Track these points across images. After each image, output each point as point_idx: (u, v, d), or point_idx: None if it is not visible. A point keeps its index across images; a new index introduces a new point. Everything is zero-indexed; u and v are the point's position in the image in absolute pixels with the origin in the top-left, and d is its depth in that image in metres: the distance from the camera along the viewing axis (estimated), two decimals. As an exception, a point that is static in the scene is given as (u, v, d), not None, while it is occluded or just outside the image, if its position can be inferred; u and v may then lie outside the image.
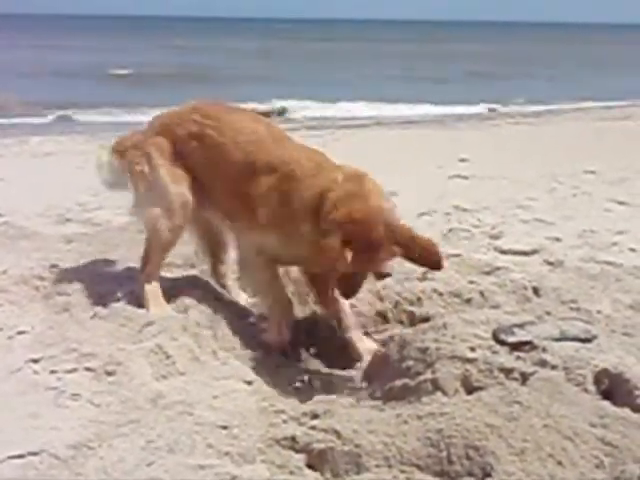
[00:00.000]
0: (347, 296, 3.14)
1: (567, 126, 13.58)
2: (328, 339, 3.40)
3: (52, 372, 2.81)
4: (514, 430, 2.26)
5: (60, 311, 3.46)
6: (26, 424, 2.45)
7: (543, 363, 2.71)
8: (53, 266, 4.02)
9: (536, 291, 3.79)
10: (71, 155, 8.52)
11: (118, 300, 3.47)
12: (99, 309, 3.40)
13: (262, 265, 3.31)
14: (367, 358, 3.26)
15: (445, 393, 2.57)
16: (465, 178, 7.60)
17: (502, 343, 2.85)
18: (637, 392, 2.56)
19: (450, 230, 5.42)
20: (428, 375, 2.70)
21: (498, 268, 4.26)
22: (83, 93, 19.10)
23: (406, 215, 5.80)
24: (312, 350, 3.37)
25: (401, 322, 3.55)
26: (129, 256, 4.26)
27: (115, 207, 5.97)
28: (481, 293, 3.67)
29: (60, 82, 22.59)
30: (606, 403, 2.52)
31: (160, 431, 2.38)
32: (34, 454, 2.27)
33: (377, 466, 2.25)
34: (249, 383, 2.82)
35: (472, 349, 2.78)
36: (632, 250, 4.96)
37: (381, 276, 3.89)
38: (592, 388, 2.62)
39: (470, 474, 2.19)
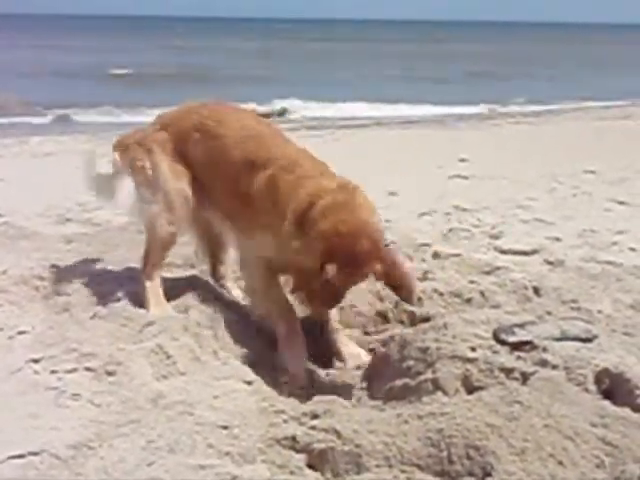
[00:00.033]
0: (327, 307, 3.15)
1: (567, 126, 13.58)
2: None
3: (52, 372, 2.80)
4: (515, 430, 2.26)
5: (60, 311, 3.46)
6: (26, 424, 2.44)
7: (544, 363, 2.70)
8: (53, 266, 4.02)
9: (536, 291, 3.79)
10: (71, 155, 8.49)
11: (118, 300, 3.47)
12: (99, 309, 3.40)
13: (262, 273, 3.23)
14: (350, 363, 3.25)
15: (446, 393, 2.57)
16: (465, 178, 7.60)
17: (502, 343, 2.85)
18: (638, 392, 2.56)
19: (450, 230, 5.42)
20: (429, 375, 2.70)
21: (498, 268, 4.26)
22: (83, 93, 19.11)
23: (406, 215, 5.87)
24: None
25: (401, 322, 3.55)
26: (129, 256, 4.27)
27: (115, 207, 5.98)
28: (481, 293, 3.67)
29: (60, 82, 22.61)
30: (607, 403, 2.51)
31: (160, 431, 2.38)
32: (34, 454, 2.27)
33: (377, 466, 2.25)
34: (249, 383, 2.82)
35: (472, 349, 2.78)
36: (632, 250, 4.96)
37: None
38: (593, 388, 2.62)
39: (470, 474, 2.19)
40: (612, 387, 2.64)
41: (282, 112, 17.55)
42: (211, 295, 3.57)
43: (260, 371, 3.00)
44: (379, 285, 3.69)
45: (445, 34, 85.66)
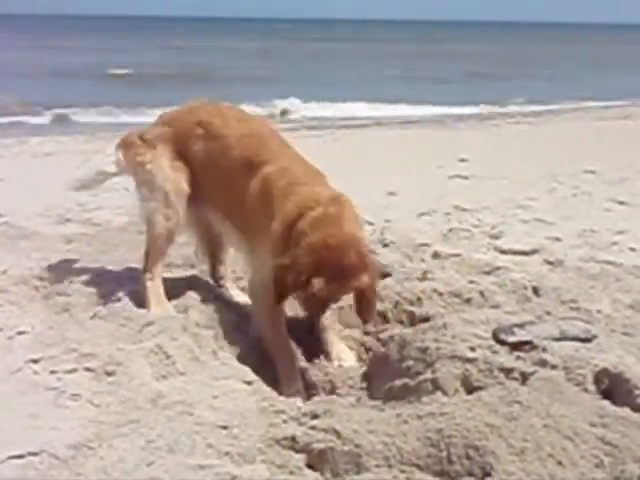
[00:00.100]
0: (312, 316, 3.18)
1: (567, 126, 13.59)
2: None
3: (52, 372, 2.80)
4: (514, 430, 2.26)
5: (60, 311, 3.46)
6: (26, 424, 2.44)
7: (543, 363, 2.71)
8: (53, 266, 4.02)
9: (536, 291, 3.79)
10: (71, 155, 8.51)
11: (118, 300, 3.47)
12: (99, 309, 3.40)
13: (269, 309, 3.15)
14: (336, 363, 3.24)
15: (445, 393, 2.58)
16: (465, 178, 7.60)
17: (502, 343, 2.85)
18: (637, 392, 2.56)
19: (450, 230, 5.42)
20: (428, 375, 2.70)
21: (498, 268, 4.26)
22: (83, 93, 19.09)
23: (406, 215, 5.88)
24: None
25: (401, 322, 3.54)
26: (129, 256, 4.27)
27: (115, 207, 5.99)
28: (481, 293, 3.67)
29: (60, 82, 22.59)
30: (606, 403, 2.52)
31: (160, 431, 2.38)
32: (34, 454, 2.27)
33: (377, 466, 2.25)
34: (249, 383, 2.82)
35: (472, 349, 2.78)
36: (632, 250, 4.96)
37: (381, 276, 3.90)
38: (592, 388, 2.62)
39: (470, 474, 2.19)
40: (611, 387, 2.64)
41: (283, 112, 17.52)
42: (211, 295, 3.58)
43: (260, 371, 3.00)
44: (379, 285, 3.71)
45: (445, 34, 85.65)
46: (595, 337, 2.95)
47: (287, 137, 3.63)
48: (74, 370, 2.80)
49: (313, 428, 2.40)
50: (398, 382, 2.81)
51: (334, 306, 3.31)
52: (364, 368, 3.24)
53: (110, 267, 4.11)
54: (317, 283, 2.82)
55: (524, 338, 2.87)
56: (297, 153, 3.42)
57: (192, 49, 44.61)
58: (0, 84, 17.54)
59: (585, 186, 7.17)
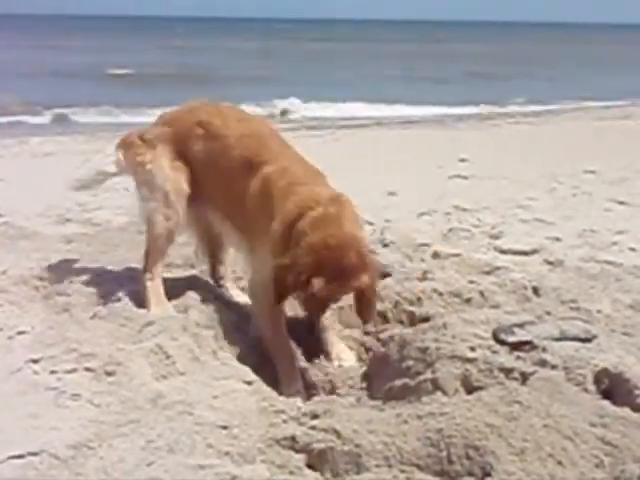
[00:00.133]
0: (312, 316, 3.18)
1: (567, 126, 13.59)
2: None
3: (52, 372, 2.80)
4: (514, 430, 2.26)
5: (60, 311, 3.46)
6: (26, 424, 2.44)
7: (543, 363, 2.71)
8: (53, 266, 4.02)
9: (536, 291, 3.79)
10: (71, 155, 8.51)
11: (118, 300, 3.47)
12: (99, 309, 3.40)
13: (269, 309, 3.15)
14: (336, 363, 3.24)
15: (445, 393, 2.58)
16: (465, 178, 7.61)
17: (502, 343, 2.85)
18: (637, 392, 2.56)
19: (450, 230, 5.42)
20: (428, 375, 2.70)
21: (498, 268, 4.26)
22: (83, 93, 19.08)
23: (406, 215, 5.88)
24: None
25: (401, 322, 3.54)
26: (129, 256, 4.27)
27: (115, 207, 5.99)
28: (481, 293, 3.67)
29: (60, 82, 22.58)
30: (606, 403, 2.52)
31: (160, 431, 2.38)
32: (34, 454, 2.27)
33: (377, 466, 2.25)
34: (249, 383, 2.82)
35: (472, 349, 2.78)
36: (632, 250, 4.96)
37: (381, 276, 3.90)
38: (592, 388, 2.62)
39: (470, 474, 2.19)
40: (611, 387, 2.64)
41: (283, 113, 17.51)
42: (211, 295, 3.58)
43: (260, 371, 3.00)
44: (379, 285, 3.71)
45: (445, 34, 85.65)
46: (595, 337, 2.95)
47: (287, 137, 3.63)
48: (74, 370, 2.80)
49: (313, 428, 2.40)
50: (398, 382, 2.81)
51: (334, 306, 3.31)
52: (364, 368, 3.24)
53: (110, 267, 4.11)
54: (317, 283, 2.83)
55: (524, 338, 2.87)
56: (297, 153, 3.42)
57: (192, 49, 44.61)
58: (0, 84, 17.53)
59: (585, 186, 7.18)
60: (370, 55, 41.54)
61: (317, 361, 3.25)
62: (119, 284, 3.70)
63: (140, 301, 3.47)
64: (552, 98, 19.95)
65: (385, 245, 4.75)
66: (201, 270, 4.03)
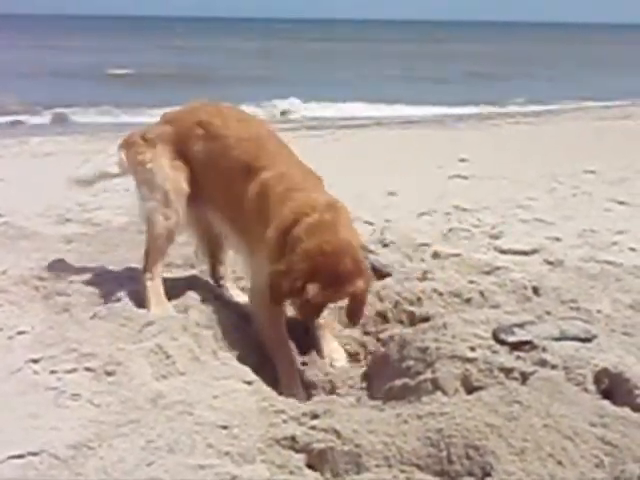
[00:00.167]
0: (307, 320, 3.18)
1: (567, 126, 13.58)
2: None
3: (52, 372, 2.80)
4: (514, 430, 2.26)
5: (60, 311, 3.46)
6: (26, 424, 2.44)
7: (543, 363, 2.71)
8: (53, 266, 4.02)
9: (536, 291, 3.79)
10: (71, 155, 8.51)
11: (118, 300, 3.47)
12: (99, 309, 3.40)
13: (269, 313, 3.17)
14: (327, 361, 3.25)
15: (445, 393, 2.58)
16: (465, 178, 7.61)
17: (502, 343, 2.85)
18: (637, 391, 2.57)
19: (450, 230, 5.42)
20: (428, 375, 2.70)
21: (498, 268, 4.26)
22: (83, 93, 19.07)
23: (406, 215, 5.88)
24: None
25: (401, 322, 3.54)
26: (129, 256, 4.28)
27: (115, 207, 5.99)
28: (481, 293, 3.67)
29: (59, 82, 22.58)
30: (606, 402, 2.52)
31: (160, 431, 2.38)
32: (34, 454, 2.27)
33: (377, 466, 2.25)
34: (249, 383, 2.82)
35: (472, 349, 2.78)
36: (632, 250, 4.96)
37: (381, 276, 3.90)
38: (592, 388, 2.62)
39: (470, 474, 2.19)
40: (611, 387, 2.64)
41: (283, 113, 17.50)
42: (211, 295, 3.58)
43: (260, 371, 3.00)
44: (379, 285, 3.71)
45: (445, 34, 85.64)
46: (595, 337, 2.95)
47: (287, 137, 3.64)
48: (74, 370, 2.80)
49: (313, 428, 2.40)
50: (398, 382, 2.81)
51: (333, 306, 3.32)
52: (358, 368, 3.25)
53: (110, 267, 4.11)
54: (312, 289, 2.84)
55: (524, 338, 2.87)
56: (295, 156, 3.43)
57: (192, 49, 44.60)
58: (0, 84, 17.53)
59: (585, 186, 7.18)
60: (370, 55, 41.53)
61: (314, 360, 3.25)
62: (119, 284, 3.70)
63: (140, 301, 3.47)
64: (552, 98, 19.95)
65: (385, 245, 4.75)
66: (201, 270, 4.03)
